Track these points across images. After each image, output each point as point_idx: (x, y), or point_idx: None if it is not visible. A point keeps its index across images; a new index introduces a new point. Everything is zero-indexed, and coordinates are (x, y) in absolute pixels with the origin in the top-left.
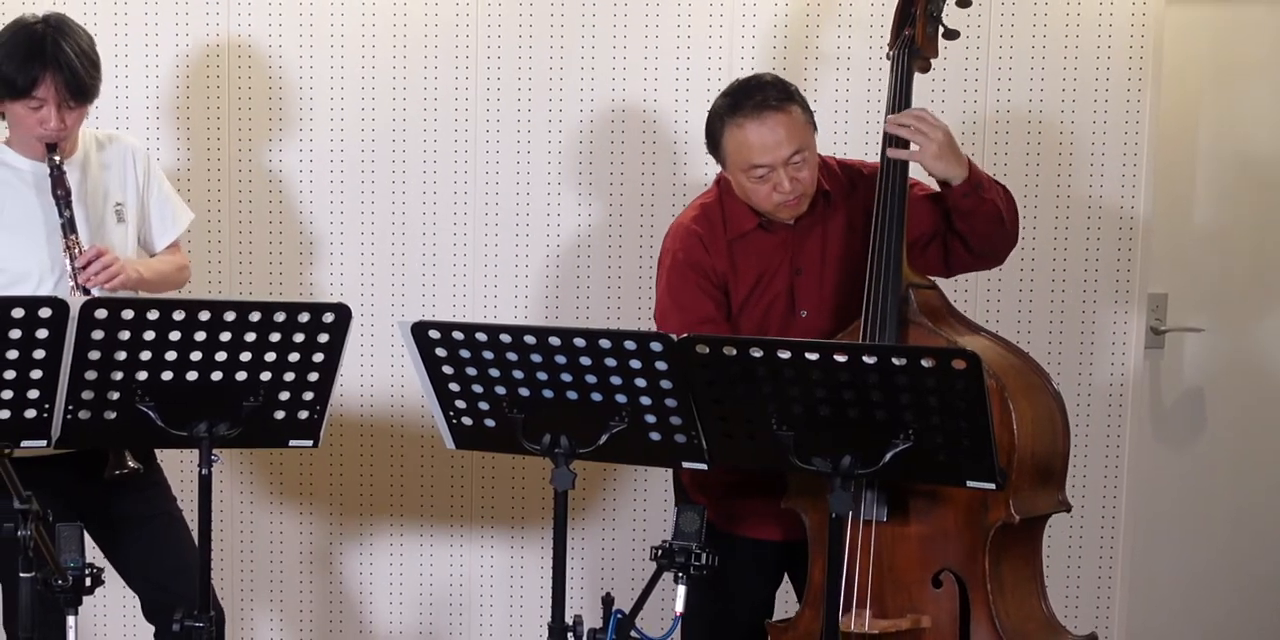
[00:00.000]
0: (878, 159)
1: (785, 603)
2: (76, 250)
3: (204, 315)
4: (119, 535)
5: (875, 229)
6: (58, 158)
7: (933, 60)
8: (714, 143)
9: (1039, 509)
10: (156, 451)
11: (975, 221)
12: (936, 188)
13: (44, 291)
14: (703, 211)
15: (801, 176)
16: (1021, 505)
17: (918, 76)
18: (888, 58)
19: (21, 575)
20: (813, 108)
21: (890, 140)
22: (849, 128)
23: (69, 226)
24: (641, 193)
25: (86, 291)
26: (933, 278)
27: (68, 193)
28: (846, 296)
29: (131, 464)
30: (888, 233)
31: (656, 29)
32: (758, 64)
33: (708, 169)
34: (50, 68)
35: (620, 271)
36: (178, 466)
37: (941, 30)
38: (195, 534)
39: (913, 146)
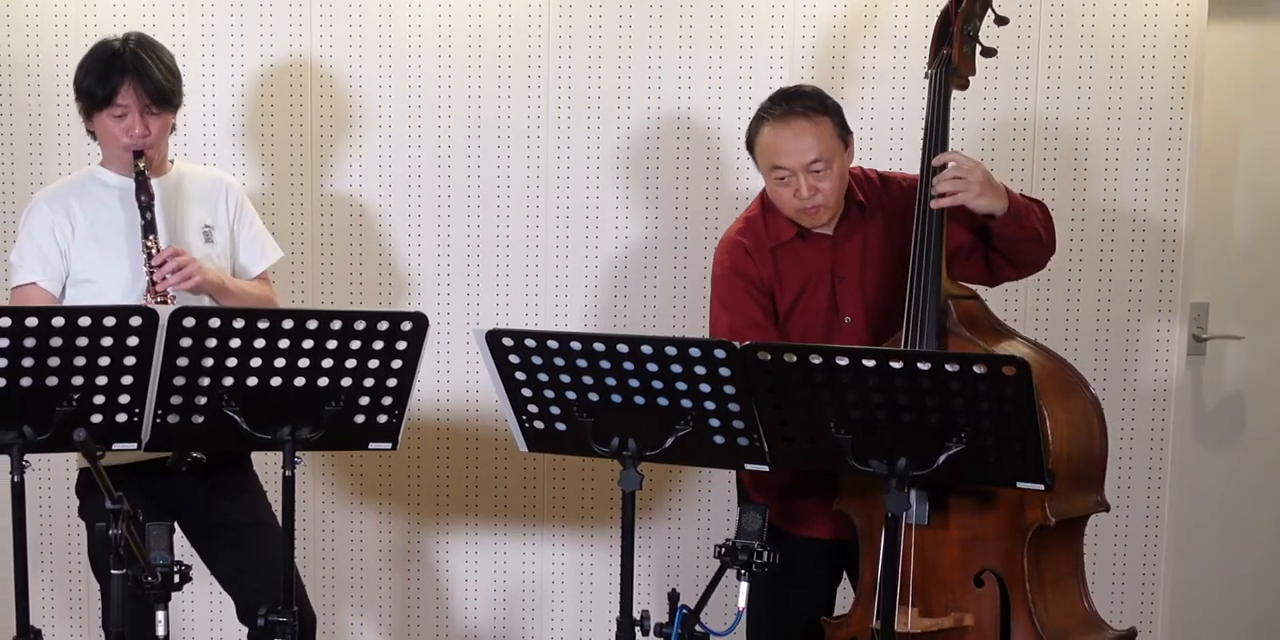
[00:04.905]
0: (909, 169)
1: (845, 598)
2: (155, 249)
3: (287, 324)
4: (215, 541)
5: (915, 244)
6: (142, 164)
7: (970, 78)
8: (749, 143)
9: (1076, 510)
10: (250, 458)
11: (1016, 243)
12: None
13: (131, 302)
14: (747, 224)
15: (822, 186)
16: (1058, 507)
17: (965, 92)
18: (926, 77)
19: (113, 572)
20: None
21: (931, 190)
22: (874, 141)
23: (149, 228)
24: (706, 204)
25: (161, 294)
26: (976, 286)
27: (151, 198)
28: (889, 301)
29: (195, 453)
30: (927, 248)
31: (720, 49)
32: (787, 82)
33: None
34: (128, 75)
35: (685, 281)
36: (262, 469)
37: (979, 49)
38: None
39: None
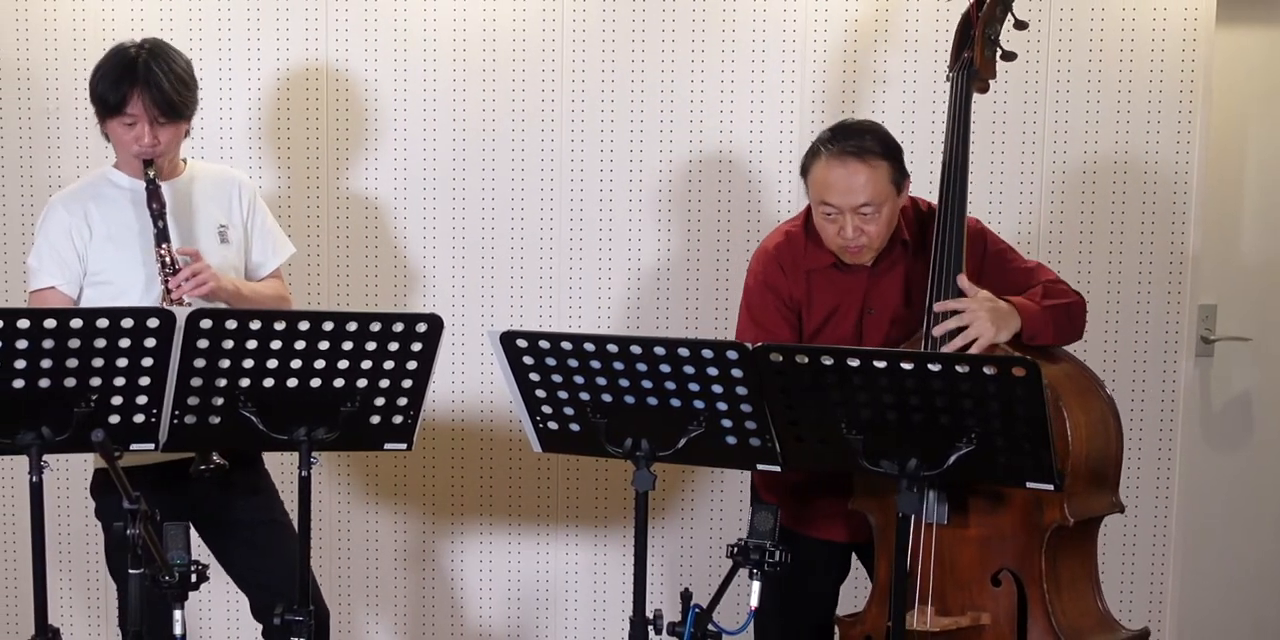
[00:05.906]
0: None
1: (854, 597)
2: (168, 258)
3: (304, 325)
4: (229, 539)
5: (935, 245)
6: (153, 173)
7: (991, 81)
8: (804, 170)
9: (1094, 511)
10: (263, 458)
11: (1039, 341)
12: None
13: (147, 303)
14: (787, 239)
15: (868, 229)
16: (1076, 508)
17: (978, 97)
18: (947, 79)
19: (130, 572)
20: None
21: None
22: None
23: (162, 236)
24: (718, 208)
25: (176, 301)
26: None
27: (162, 206)
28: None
29: (217, 459)
30: (948, 248)
31: (732, 53)
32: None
33: (779, 192)
34: (139, 85)
35: (698, 283)
36: (278, 469)
37: (999, 52)
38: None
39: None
